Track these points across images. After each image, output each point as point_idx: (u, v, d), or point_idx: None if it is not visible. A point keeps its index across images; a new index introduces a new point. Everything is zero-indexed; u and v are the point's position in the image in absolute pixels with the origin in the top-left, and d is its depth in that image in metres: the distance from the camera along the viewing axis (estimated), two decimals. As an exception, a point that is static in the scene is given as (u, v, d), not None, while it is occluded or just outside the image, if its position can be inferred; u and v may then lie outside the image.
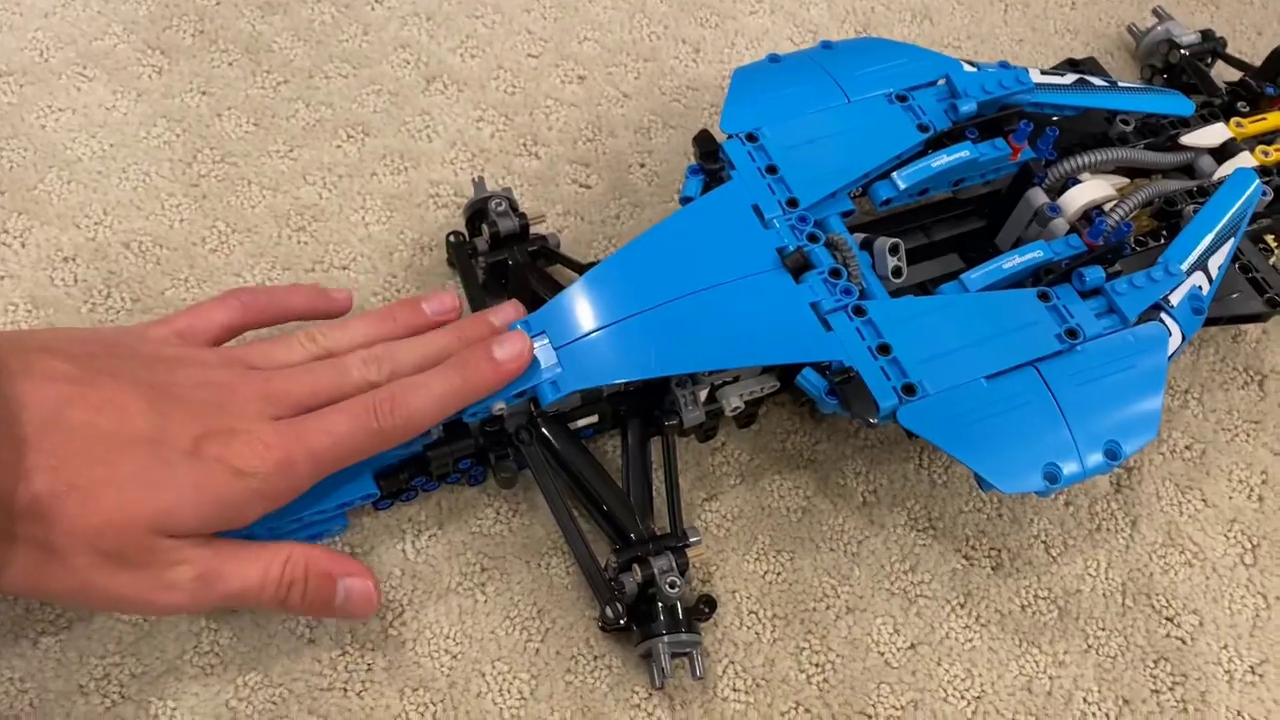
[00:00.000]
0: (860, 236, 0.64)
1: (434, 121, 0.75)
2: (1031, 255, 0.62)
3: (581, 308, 0.57)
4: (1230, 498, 0.67)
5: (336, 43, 0.78)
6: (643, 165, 0.76)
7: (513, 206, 0.65)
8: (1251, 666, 0.61)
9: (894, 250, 0.61)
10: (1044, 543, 0.64)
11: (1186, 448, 0.68)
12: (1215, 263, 0.64)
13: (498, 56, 0.79)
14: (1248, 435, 0.69)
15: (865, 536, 0.63)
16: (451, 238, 0.66)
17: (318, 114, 0.74)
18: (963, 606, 0.61)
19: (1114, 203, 0.66)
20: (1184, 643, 0.62)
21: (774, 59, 0.69)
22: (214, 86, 0.74)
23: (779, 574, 0.61)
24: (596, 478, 0.58)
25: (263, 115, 0.74)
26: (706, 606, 0.58)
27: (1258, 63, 0.79)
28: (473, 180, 0.67)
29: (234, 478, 0.48)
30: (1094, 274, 0.60)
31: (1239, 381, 0.72)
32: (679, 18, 0.83)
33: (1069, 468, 0.56)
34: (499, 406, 0.55)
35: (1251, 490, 0.67)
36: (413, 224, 0.70)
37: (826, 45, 0.70)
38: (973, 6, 0.89)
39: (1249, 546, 0.65)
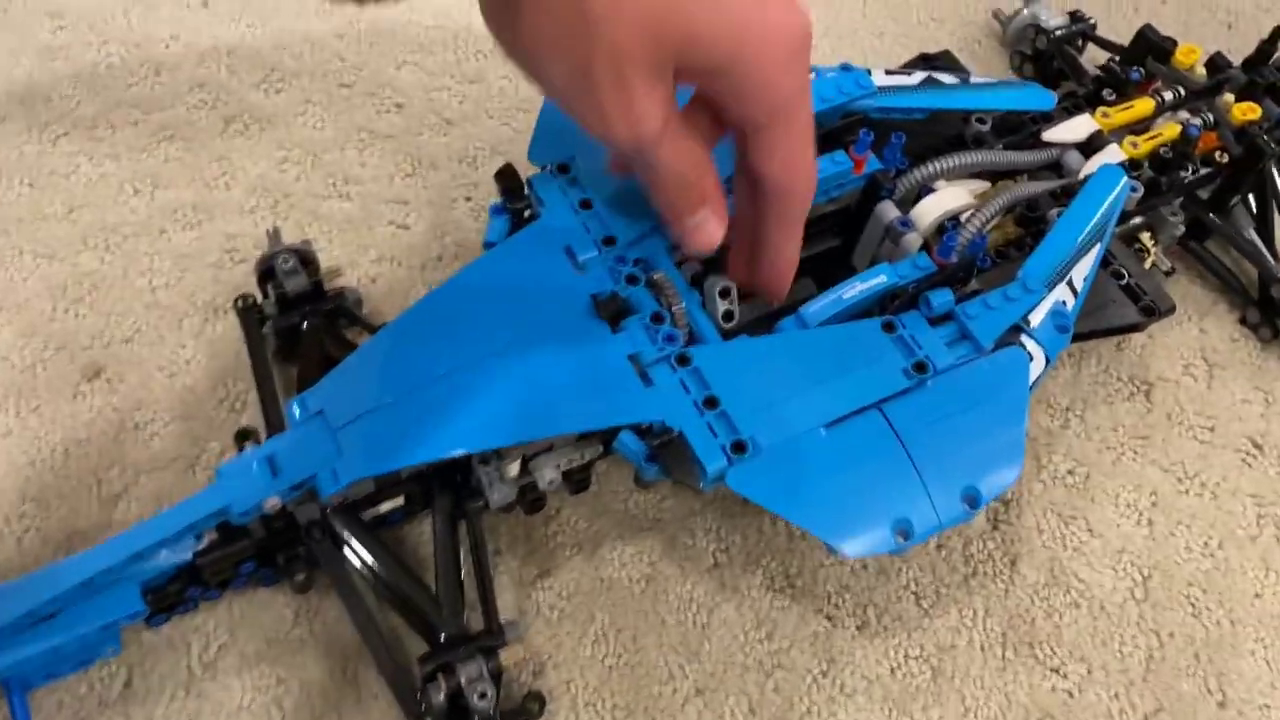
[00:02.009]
0: (696, 269, 0.57)
1: (232, 167, 0.68)
2: (875, 281, 0.55)
3: (364, 381, 0.50)
4: (1118, 525, 0.61)
5: (124, 87, 0.70)
6: (468, 199, 0.69)
7: (305, 261, 0.58)
8: (1146, 715, 0.56)
9: (725, 293, 0.55)
10: (914, 594, 0.58)
11: (1069, 472, 0.63)
12: (1080, 273, 0.58)
13: (305, 89, 0.72)
14: (1135, 453, 0.64)
15: (716, 603, 0.57)
16: (239, 303, 0.59)
17: (101, 169, 0.67)
18: (825, 675, 0.55)
19: (970, 213, 0.60)
20: (1071, 695, 0.56)
21: (591, 77, 0.62)
22: (-18, 145, 0.67)
23: (620, 657, 0.55)
24: (399, 575, 0.52)
25: (39, 174, 0.66)
26: (535, 704, 0.51)
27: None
28: (267, 232, 0.60)
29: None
30: (941, 298, 0.54)
31: (1124, 393, 0.66)
32: (508, 33, 0.76)
33: (922, 520, 0.50)
34: (271, 503, 0.48)
35: (1140, 514, 0.62)
36: (205, 285, 0.63)
37: (648, 60, 0.63)
38: (828, 1, 0.83)
39: (1139, 579, 0.60)
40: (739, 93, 0.44)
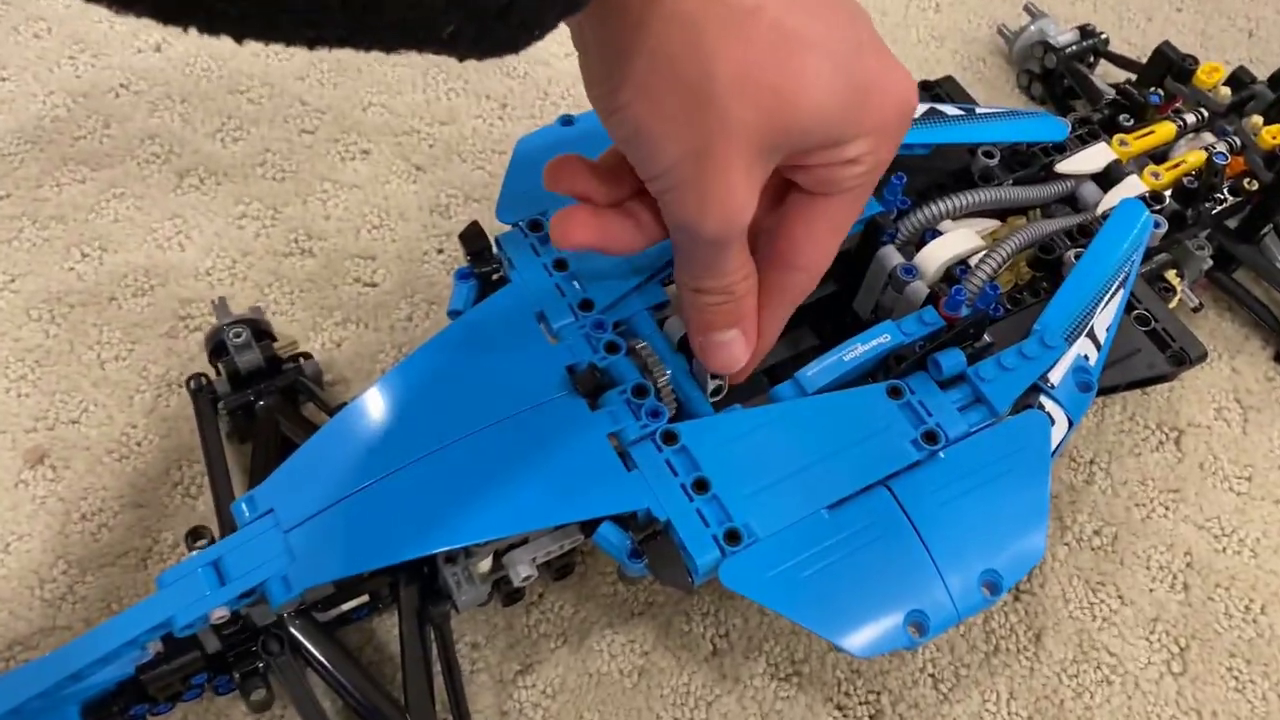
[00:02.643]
0: (678, 334, 0.52)
1: (187, 225, 0.63)
2: (878, 341, 0.51)
3: (316, 475, 0.45)
4: (1150, 590, 0.56)
5: (70, 141, 0.66)
6: (440, 252, 0.64)
7: (259, 333, 0.54)
8: (1189, 806, 0.51)
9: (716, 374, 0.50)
10: (932, 676, 0.53)
11: (1095, 533, 0.58)
12: (1103, 324, 0.54)
13: (264, 137, 0.67)
14: (1166, 509, 0.59)
15: (716, 696, 0.52)
16: (191, 383, 0.54)
17: (46, 231, 0.62)
18: (838, 772, 0.51)
19: (979, 257, 0.55)
20: (1106, 787, 0.51)
21: (566, 121, 0.57)
22: (-82, 210, 0.62)
23: (611, 759, 0.50)
24: (362, 682, 0.47)
25: (-22, 240, 0.62)
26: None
27: (1146, 57, 0.69)
28: (213, 303, 0.55)
29: None
30: (951, 359, 0.50)
31: (1152, 443, 0.61)
32: (480, 69, 0.72)
33: (939, 613, 0.45)
34: (219, 614, 0.44)
35: (1175, 578, 0.57)
36: (158, 356, 0.59)
37: (626, 101, 0.58)
38: (823, 21, 0.78)
39: (1176, 650, 0.55)
40: (839, 163, 0.40)
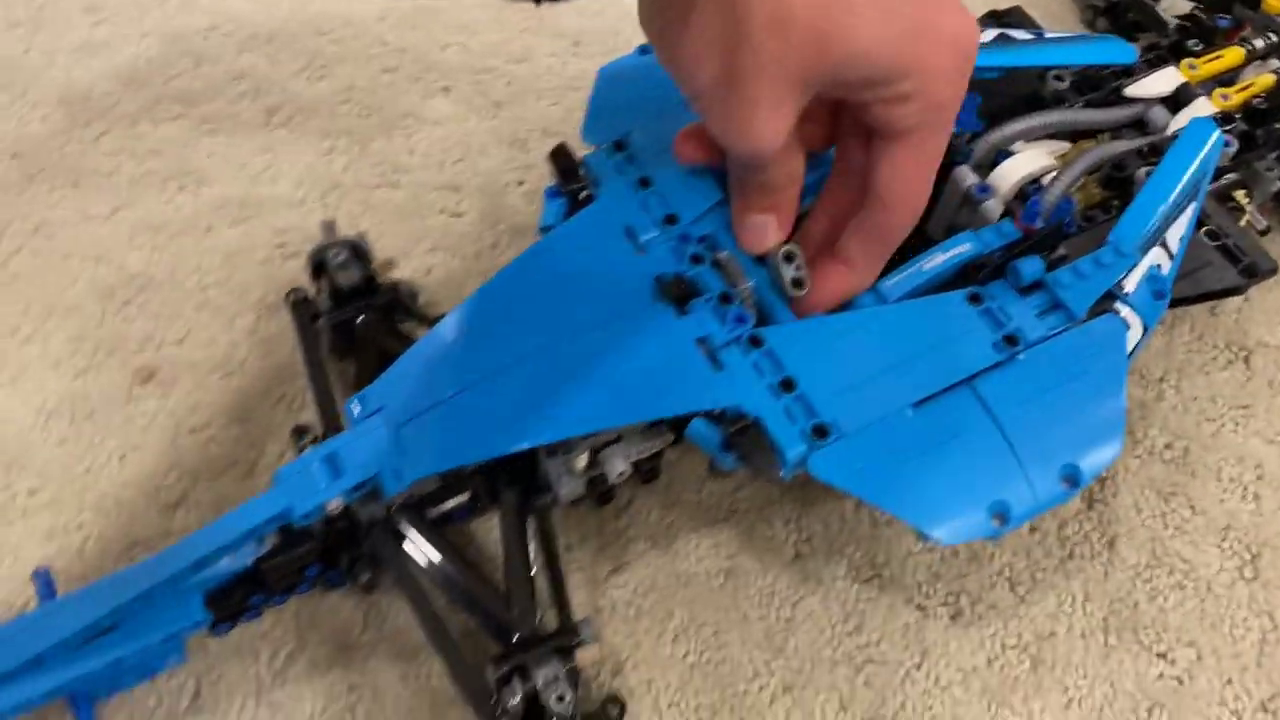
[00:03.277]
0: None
1: (278, 159, 0.66)
2: (956, 250, 0.52)
3: (423, 375, 0.48)
4: (1222, 501, 0.58)
5: (164, 81, 0.68)
6: (521, 184, 0.66)
7: (359, 254, 0.56)
8: (1263, 702, 0.52)
9: (789, 258, 0.51)
10: (1009, 580, 0.55)
11: (1166, 446, 0.59)
12: (1175, 234, 0.55)
13: (349, 75, 0.70)
14: (1236, 424, 0.60)
15: (800, 596, 0.54)
16: (290, 296, 0.57)
17: (145, 166, 0.65)
18: (919, 668, 0.53)
19: (1053, 174, 0.56)
20: (1181, 682, 0.53)
21: (645, 50, 0.59)
22: (24, 147, 0.65)
23: (702, 654, 0.52)
24: (467, 575, 0.49)
25: (82, 174, 0.65)
26: (614, 708, 0.49)
27: (1212, -12, 0.69)
28: (322, 225, 0.57)
29: None
30: (1030, 266, 0.51)
31: (1221, 361, 0.62)
32: (554, 8, 0.74)
33: (1021, 503, 0.47)
34: (334, 504, 0.46)
35: (1245, 489, 0.58)
36: (257, 282, 0.61)
37: (705, 28, 0.60)
38: (887, -40, 0.79)
39: (1248, 558, 0.56)
40: (890, 101, 0.42)
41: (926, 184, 0.47)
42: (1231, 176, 0.62)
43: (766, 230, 0.49)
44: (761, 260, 0.53)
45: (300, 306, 0.56)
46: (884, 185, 0.46)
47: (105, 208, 0.63)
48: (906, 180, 0.46)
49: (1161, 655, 0.53)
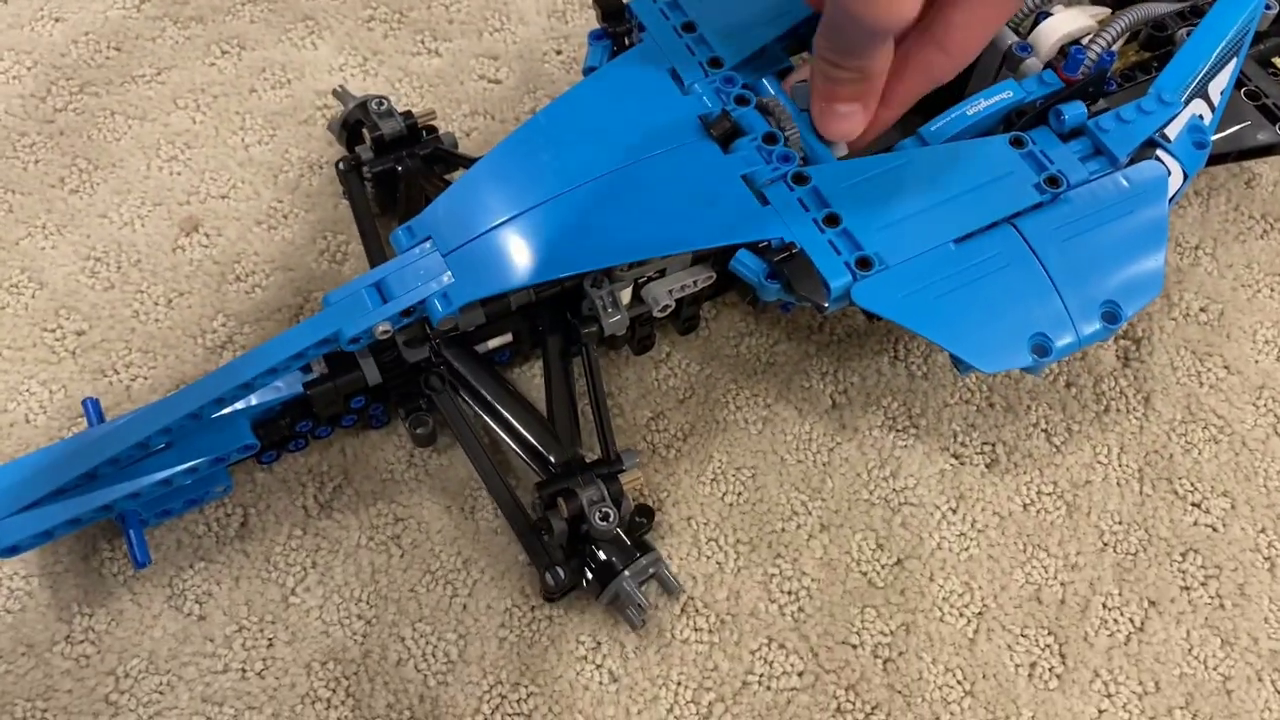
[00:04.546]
0: (807, 92, 0.54)
1: (318, 26, 0.66)
2: (1000, 96, 0.52)
3: (472, 204, 0.48)
4: (1256, 361, 0.58)
5: (204, -49, 0.69)
6: (559, 53, 0.67)
7: (391, 109, 0.56)
8: (1295, 550, 0.53)
9: None
10: (1044, 431, 0.56)
11: (1201, 309, 0.59)
12: (1217, 87, 0.55)
13: (388, -52, 0.70)
14: (1271, 290, 0.60)
15: (837, 443, 0.55)
16: (340, 164, 0.57)
17: (187, 31, 0.66)
18: (955, 511, 0.53)
19: (1093, 34, 0.56)
20: (1215, 530, 0.53)
21: (684, -91, 0.59)
22: (67, 11, 0.66)
23: (740, 494, 0.53)
24: (513, 404, 0.50)
25: (124, 38, 0.65)
26: (643, 518, 0.49)
27: None
28: (334, 92, 0.58)
29: None
30: (1074, 110, 0.51)
31: (1256, 231, 0.62)
32: (592, -112, 0.74)
33: (1062, 338, 0.47)
34: (382, 328, 0.47)
35: (1279, 351, 0.58)
36: (299, 141, 0.62)
37: (747, -115, 0.60)
38: None
39: (1282, 414, 0.57)
40: None
41: (990, 37, 0.47)
42: (1273, 42, 0.61)
43: (853, 119, 0.49)
44: (807, 108, 0.53)
45: (349, 173, 0.57)
46: (956, 29, 0.46)
47: (149, 69, 0.64)
48: (979, 27, 0.46)
49: (1196, 505, 0.54)
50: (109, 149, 0.61)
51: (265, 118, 0.62)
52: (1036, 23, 0.57)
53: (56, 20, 0.65)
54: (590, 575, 0.48)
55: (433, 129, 0.57)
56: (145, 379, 0.54)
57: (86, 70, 0.63)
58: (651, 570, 0.48)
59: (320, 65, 0.65)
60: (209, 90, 0.63)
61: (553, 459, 0.49)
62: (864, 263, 0.47)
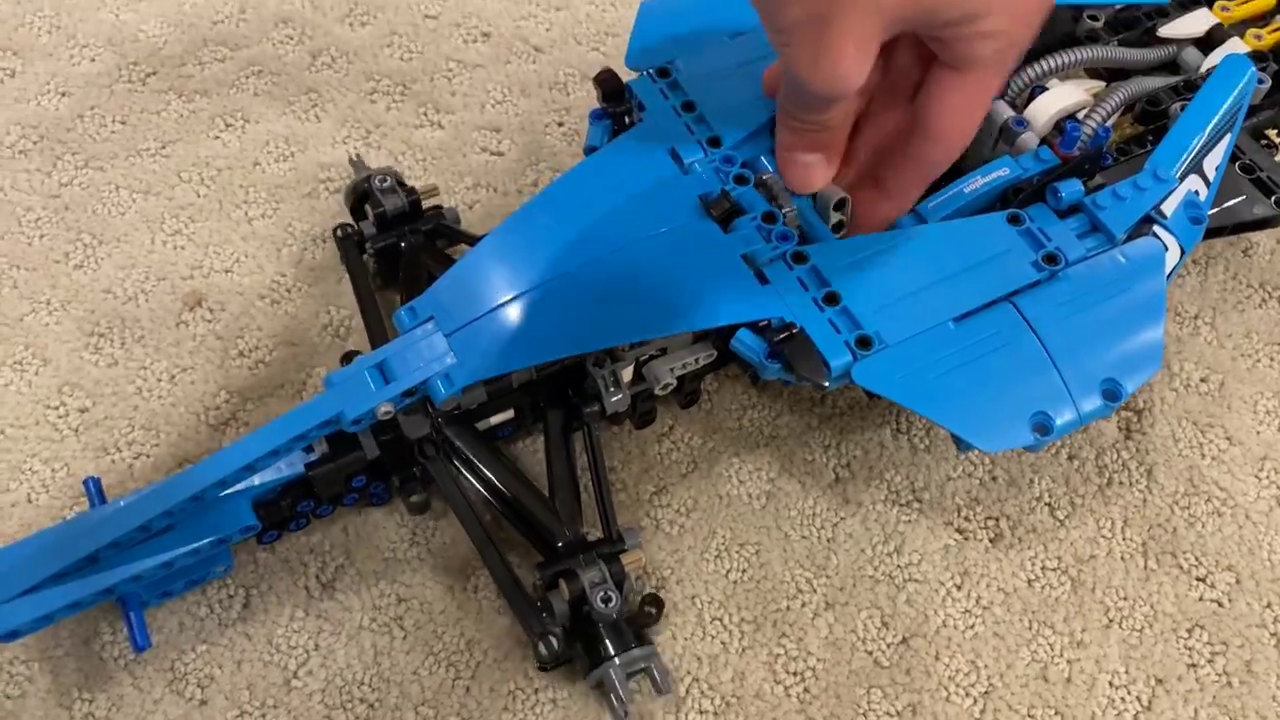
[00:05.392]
0: None
1: (322, 99, 0.67)
2: (997, 174, 0.53)
3: (474, 285, 0.49)
4: (1258, 432, 0.58)
5: (210, 25, 0.70)
6: (560, 125, 0.67)
7: (400, 183, 0.57)
8: (1301, 625, 0.53)
9: (839, 206, 0.52)
10: (1048, 505, 0.56)
11: (1202, 380, 0.60)
12: (1211, 163, 0.55)
13: (390, 21, 0.71)
14: (1271, 359, 0.60)
15: (841, 518, 0.55)
16: (338, 231, 0.58)
17: (191, 104, 0.66)
18: (960, 588, 0.53)
19: (1089, 109, 0.57)
20: (1220, 605, 0.53)
21: (686, -16, 0.60)
22: (74, 86, 0.66)
23: (744, 571, 0.53)
24: (514, 483, 0.50)
25: (129, 111, 0.66)
26: (653, 607, 0.49)
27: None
28: (350, 160, 0.59)
29: None
30: (1070, 188, 0.52)
31: (1255, 300, 0.63)
32: (592, -39, 0.75)
33: (1062, 415, 0.47)
34: (385, 409, 0.47)
35: (1281, 421, 0.58)
36: (302, 215, 0.62)
37: (745, -37, 0.61)
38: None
39: (1285, 486, 0.56)
40: (971, 37, 0.42)
41: (978, 121, 0.47)
42: (1265, 115, 0.62)
43: (815, 169, 0.49)
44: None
45: (347, 240, 0.57)
46: (937, 117, 0.46)
47: (154, 143, 0.64)
48: (961, 114, 0.46)
49: (1201, 579, 0.54)
50: (113, 223, 0.61)
51: (269, 191, 0.63)
52: (1032, 97, 0.58)
53: (63, 95, 0.66)
54: (582, 653, 0.48)
55: (436, 204, 0.57)
56: (148, 457, 0.54)
57: (92, 144, 0.64)
58: (643, 664, 0.47)
59: (324, 138, 0.65)
60: (213, 164, 0.64)
61: (555, 538, 0.49)
62: (864, 341, 0.47)
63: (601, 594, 0.46)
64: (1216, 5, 0.63)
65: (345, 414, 0.46)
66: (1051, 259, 0.50)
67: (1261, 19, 0.64)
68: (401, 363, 0.47)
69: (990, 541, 0.54)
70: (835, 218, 0.53)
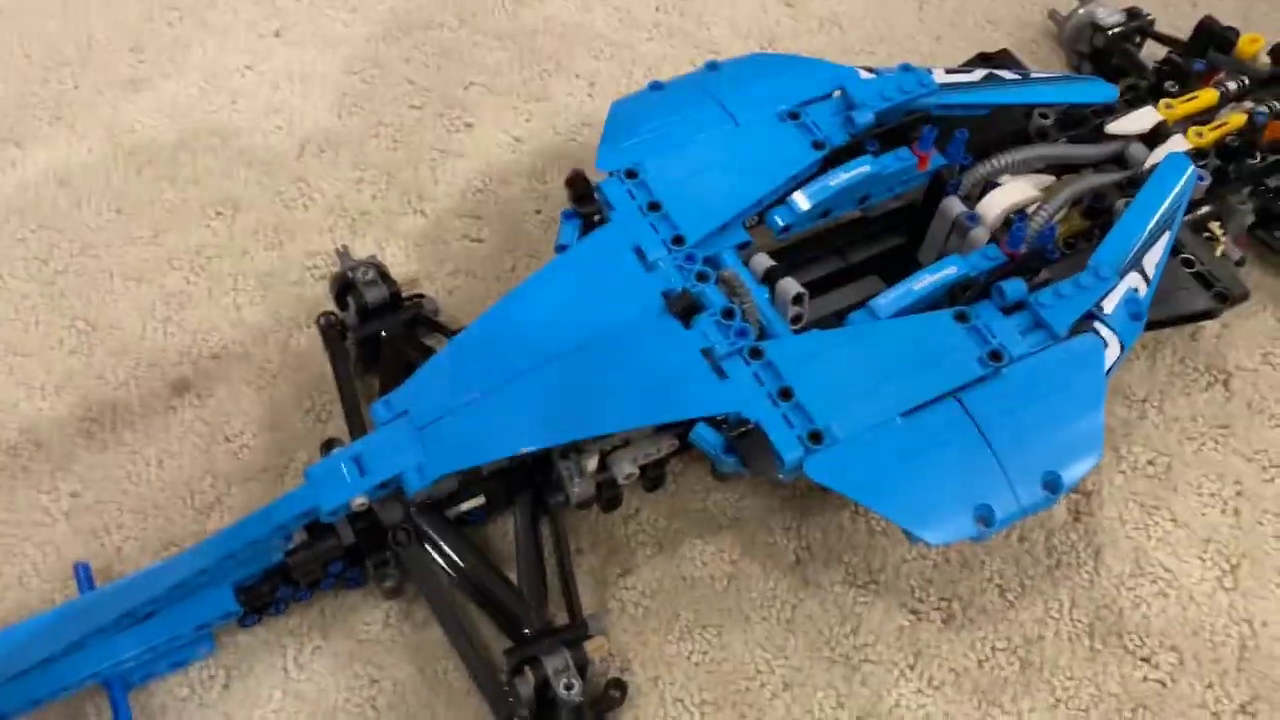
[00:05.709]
0: (766, 265, 0.58)
1: (309, 189, 0.70)
2: (945, 272, 0.56)
3: (446, 380, 0.51)
4: (1203, 514, 0.60)
5: (203, 115, 0.73)
6: (538, 212, 0.70)
7: (382, 274, 0.60)
8: (1242, 705, 0.55)
9: (798, 300, 0.55)
10: (998, 586, 0.58)
11: (1149, 463, 0.62)
12: (1151, 260, 0.58)
13: (377, 112, 0.74)
14: (1216, 442, 0.63)
15: (800, 600, 0.57)
16: (321, 320, 0.60)
17: (184, 193, 0.69)
18: (913, 668, 0.55)
19: (1037, 205, 0.60)
20: (1164, 685, 0.55)
21: (655, 86, 0.63)
22: (72, 175, 0.69)
23: (706, 653, 0.55)
24: (483, 569, 0.52)
25: (125, 201, 0.69)
26: (617, 691, 0.52)
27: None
28: (336, 251, 0.61)
29: None
30: (1014, 287, 0.54)
31: (1201, 383, 0.65)
32: (571, 52, 0.78)
33: (1003, 507, 0.50)
34: (359, 501, 0.49)
35: (1225, 504, 0.61)
36: (288, 302, 0.65)
37: (712, 66, 0.64)
38: (885, 8, 0.83)
39: (1227, 568, 0.59)
40: None
41: None
42: (1206, 209, 0.65)
43: None
44: (765, 279, 0.56)
45: (330, 330, 0.60)
46: None
47: (147, 231, 0.67)
48: None
49: (1145, 659, 0.56)
50: (107, 310, 0.64)
51: (257, 279, 0.66)
52: (984, 193, 0.61)
53: (61, 183, 0.69)
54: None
55: (418, 293, 0.60)
56: (135, 540, 0.57)
57: (87, 232, 0.67)
58: None
59: (311, 226, 0.68)
60: (203, 252, 0.67)
61: (522, 624, 0.51)
62: (816, 436, 0.50)
63: (564, 681, 0.48)
64: (1161, 103, 0.66)
65: (323, 505, 0.49)
66: (996, 355, 0.53)
67: (1203, 116, 0.67)
68: (377, 456, 0.50)
69: (943, 622, 0.57)
70: (793, 310, 0.56)
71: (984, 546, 0.59)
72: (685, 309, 0.53)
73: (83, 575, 0.53)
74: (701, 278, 0.55)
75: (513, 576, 0.53)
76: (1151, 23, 0.77)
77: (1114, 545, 0.59)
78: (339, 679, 0.53)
